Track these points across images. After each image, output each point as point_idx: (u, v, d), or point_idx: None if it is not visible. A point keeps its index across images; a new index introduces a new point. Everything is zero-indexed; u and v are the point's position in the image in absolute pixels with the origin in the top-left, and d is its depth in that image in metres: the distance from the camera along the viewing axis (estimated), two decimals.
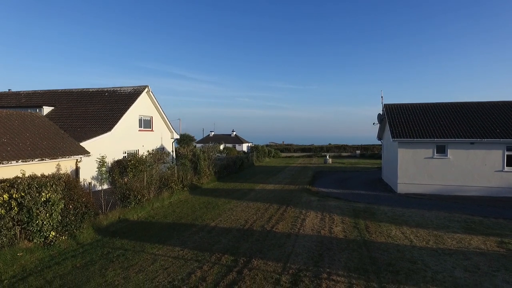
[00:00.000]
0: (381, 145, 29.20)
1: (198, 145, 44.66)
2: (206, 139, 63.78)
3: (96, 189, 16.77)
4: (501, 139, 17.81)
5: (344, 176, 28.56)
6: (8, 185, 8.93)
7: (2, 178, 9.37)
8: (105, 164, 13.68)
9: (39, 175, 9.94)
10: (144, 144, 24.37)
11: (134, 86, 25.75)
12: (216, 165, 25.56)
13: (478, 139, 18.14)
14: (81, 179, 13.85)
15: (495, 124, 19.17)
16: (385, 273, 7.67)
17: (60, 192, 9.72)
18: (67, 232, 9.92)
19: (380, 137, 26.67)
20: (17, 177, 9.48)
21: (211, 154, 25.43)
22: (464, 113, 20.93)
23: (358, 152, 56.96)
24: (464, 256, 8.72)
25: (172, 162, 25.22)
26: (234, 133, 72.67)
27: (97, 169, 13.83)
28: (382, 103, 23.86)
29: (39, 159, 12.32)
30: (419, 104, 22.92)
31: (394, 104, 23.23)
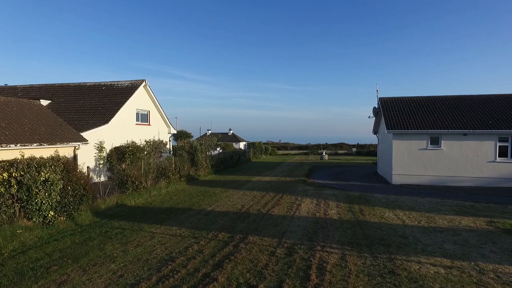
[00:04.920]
0: (376, 144, 29.53)
1: None
2: (203, 137, 63.82)
3: (94, 181, 16.88)
4: (493, 130, 18.13)
5: (340, 170, 28.84)
6: (7, 164, 9.04)
7: (1, 159, 9.49)
8: (104, 149, 13.81)
9: (38, 157, 10.06)
10: (141, 137, 24.42)
11: (131, 80, 25.86)
12: (213, 158, 25.74)
13: (471, 130, 18.45)
14: (79, 166, 13.96)
15: (488, 116, 19.51)
16: (377, 246, 7.91)
17: (59, 173, 9.85)
18: (65, 213, 10.05)
19: (375, 131, 26.98)
20: (16, 158, 9.59)
21: (209, 145, 25.57)
22: (458, 105, 21.26)
23: (354, 149, 57.39)
24: (454, 233, 8.97)
25: (170, 154, 25.38)
26: (231, 131, 72.77)
27: (95, 154, 13.94)
28: (377, 97, 24.18)
29: (37, 144, 12.44)
30: (414, 97, 23.25)
31: (389, 98, 23.54)
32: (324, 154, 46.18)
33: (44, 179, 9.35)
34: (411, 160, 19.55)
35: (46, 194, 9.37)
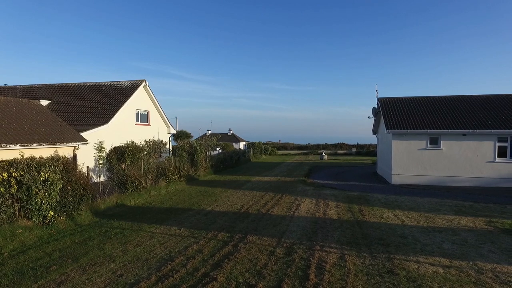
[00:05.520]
0: (376, 144, 29.57)
1: None
2: (203, 137, 63.81)
3: (93, 181, 16.90)
4: (493, 130, 18.16)
5: (340, 170, 28.87)
6: (7, 164, 9.05)
7: (1, 159, 9.50)
8: (103, 149, 13.84)
9: (38, 157, 10.08)
10: (141, 138, 24.44)
11: (131, 81, 25.87)
12: (213, 158, 25.78)
13: (470, 131, 18.47)
14: (78, 166, 13.98)
15: (487, 116, 19.53)
16: (376, 245, 7.93)
17: (59, 172, 9.86)
18: (65, 213, 10.07)
19: (375, 131, 27.00)
20: (16, 158, 9.61)
21: (209, 146, 25.58)
22: (457, 106, 21.29)
23: (354, 149, 57.44)
24: (453, 233, 9.00)
25: (170, 154, 25.41)
26: (231, 131, 72.78)
27: (95, 154, 13.97)
28: (377, 97, 24.21)
29: (37, 144, 12.45)
30: (413, 97, 23.28)
31: (388, 98, 23.57)
32: (323, 154, 46.21)
33: (44, 179, 9.37)
34: (411, 160, 19.58)
35: (46, 194, 9.38)
